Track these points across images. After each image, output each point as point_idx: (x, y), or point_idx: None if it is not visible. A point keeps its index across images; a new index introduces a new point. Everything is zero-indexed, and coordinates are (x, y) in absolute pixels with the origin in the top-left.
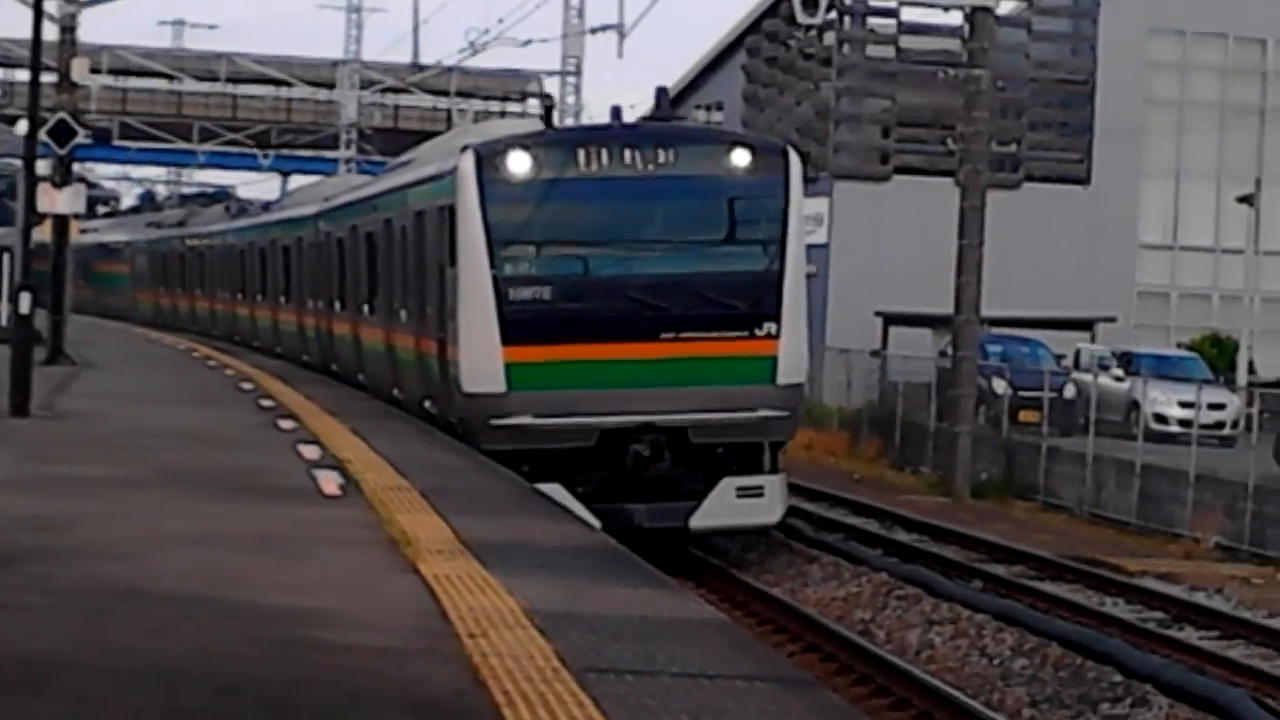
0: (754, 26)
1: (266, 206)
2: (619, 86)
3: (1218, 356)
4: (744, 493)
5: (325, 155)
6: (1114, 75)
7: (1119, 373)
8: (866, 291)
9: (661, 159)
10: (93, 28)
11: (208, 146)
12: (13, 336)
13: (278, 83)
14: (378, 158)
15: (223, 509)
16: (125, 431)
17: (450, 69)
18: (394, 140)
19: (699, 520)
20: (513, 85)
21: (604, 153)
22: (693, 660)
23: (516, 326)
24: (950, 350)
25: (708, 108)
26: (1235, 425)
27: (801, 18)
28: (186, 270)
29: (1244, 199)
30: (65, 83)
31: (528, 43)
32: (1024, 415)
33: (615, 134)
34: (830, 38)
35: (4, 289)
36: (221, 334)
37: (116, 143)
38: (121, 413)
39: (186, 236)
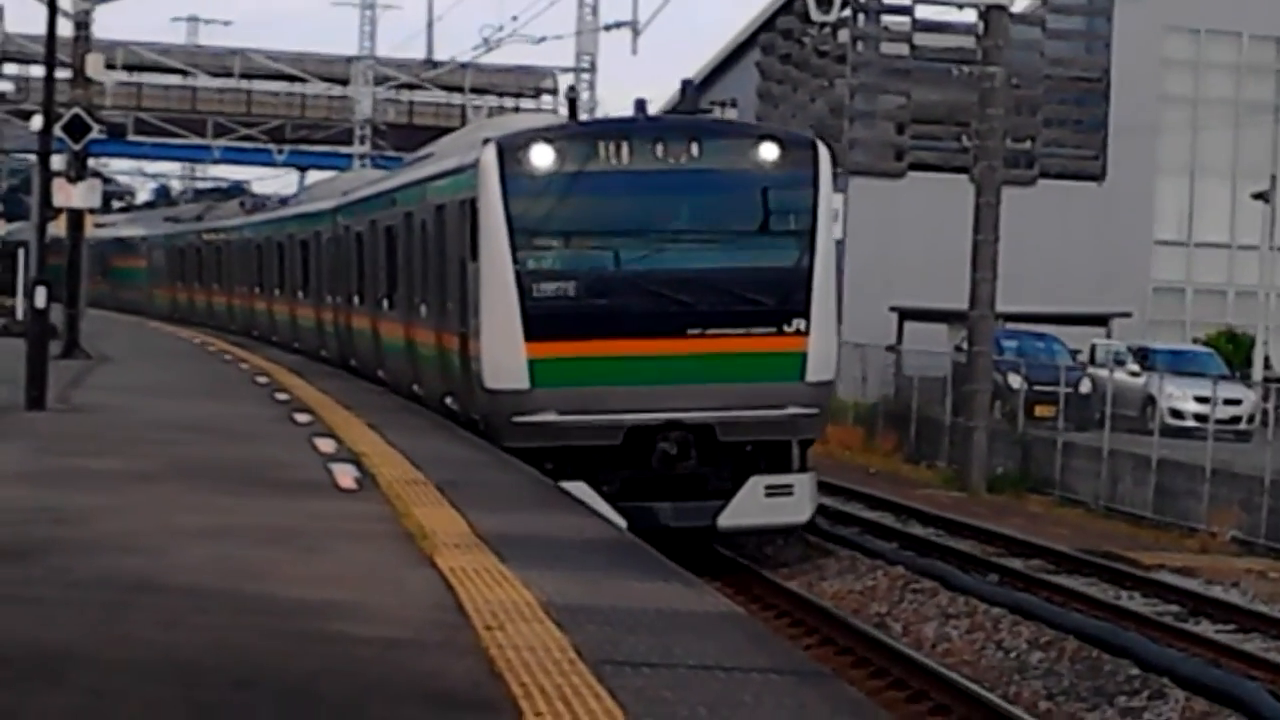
0: (768, 23)
1: (284, 201)
2: (633, 83)
3: (1233, 352)
4: (772, 491)
5: (339, 151)
6: (1128, 72)
7: (1135, 368)
8: (882, 287)
9: (687, 152)
10: (107, 24)
11: (222, 142)
12: (29, 330)
13: (292, 79)
14: (392, 153)
15: (239, 502)
16: (141, 425)
17: (464, 65)
18: (408, 136)
19: (726, 519)
20: (527, 81)
21: (628, 146)
22: (709, 653)
23: (540, 322)
24: (965, 345)
25: (722, 105)
26: (1251, 420)
27: (816, 15)
28: (204, 265)
29: (1259, 195)
30: (80, 78)
31: (542, 39)
32: (1039, 410)
33: (640, 127)
34: (845, 35)
35: (20, 283)
36: (239, 329)
37: (131, 138)
38: (137, 406)
39: (204, 231)
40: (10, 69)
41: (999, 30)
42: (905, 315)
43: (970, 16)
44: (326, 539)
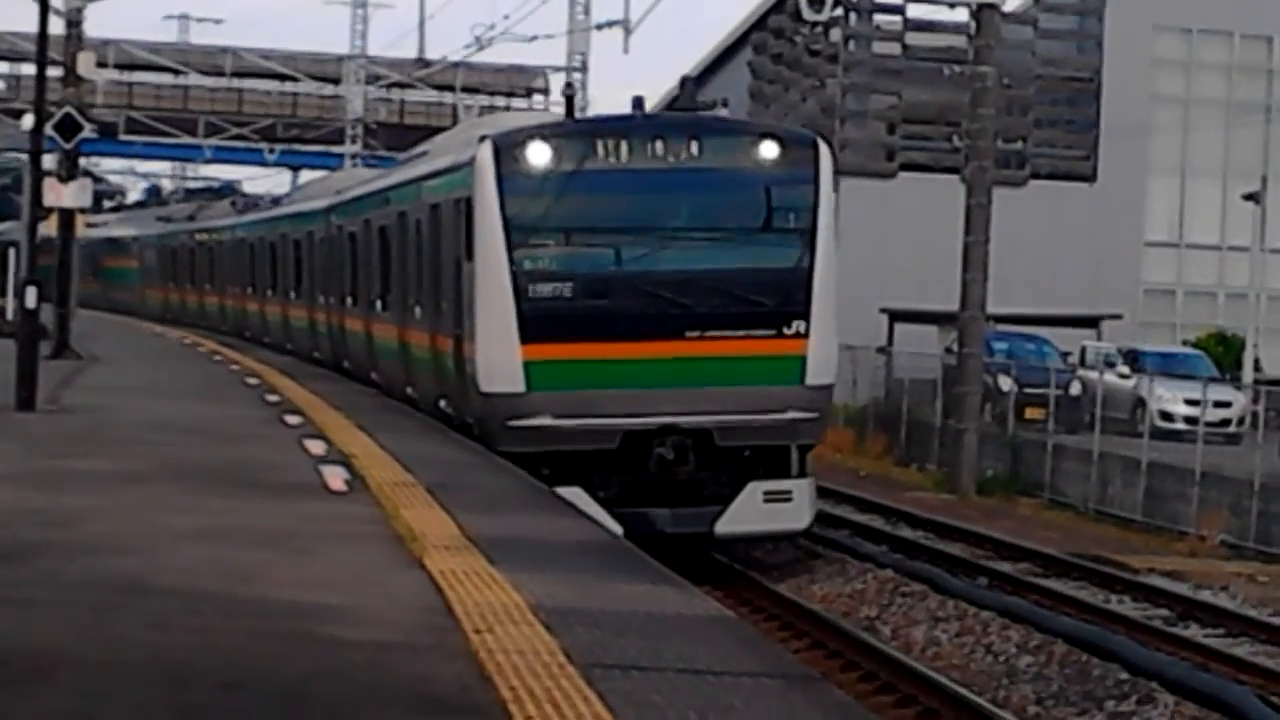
0: (760, 23)
1: (277, 200)
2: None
3: (1223, 354)
4: (771, 497)
5: (331, 150)
6: (1120, 72)
7: (1125, 370)
8: (872, 288)
9: (687, 151)
10: (99, 22)
11: (213, 141)
12: (19, 331)
13: (283, 77)
14: (383, 153)
15: (228, 504)
16: (131, 426)
17: (456, 64)
18: (399, 135)
19: (724, 526)
20: (518, 81)
21: (627, 144)
22: (699, 656)
23: (536, 324)
24: (956, 347)
25: (713, 104)
26: (1241, 423)
27: (808, 14)
28: (196, 265)
29: (1250, 196)
30: (71, 77)
31: (534, 38)
32: (1030, 412)
33: (638, 125)
34: (836, 34)
35: (10, 283)
36: (231, 330)
37: (122, 137)
38: (127, 407)
39: (196, 231)
40: (1, 67)
41: (990, 30)
42: (896, 317)
43: (962, 16)
44: (316, 541)
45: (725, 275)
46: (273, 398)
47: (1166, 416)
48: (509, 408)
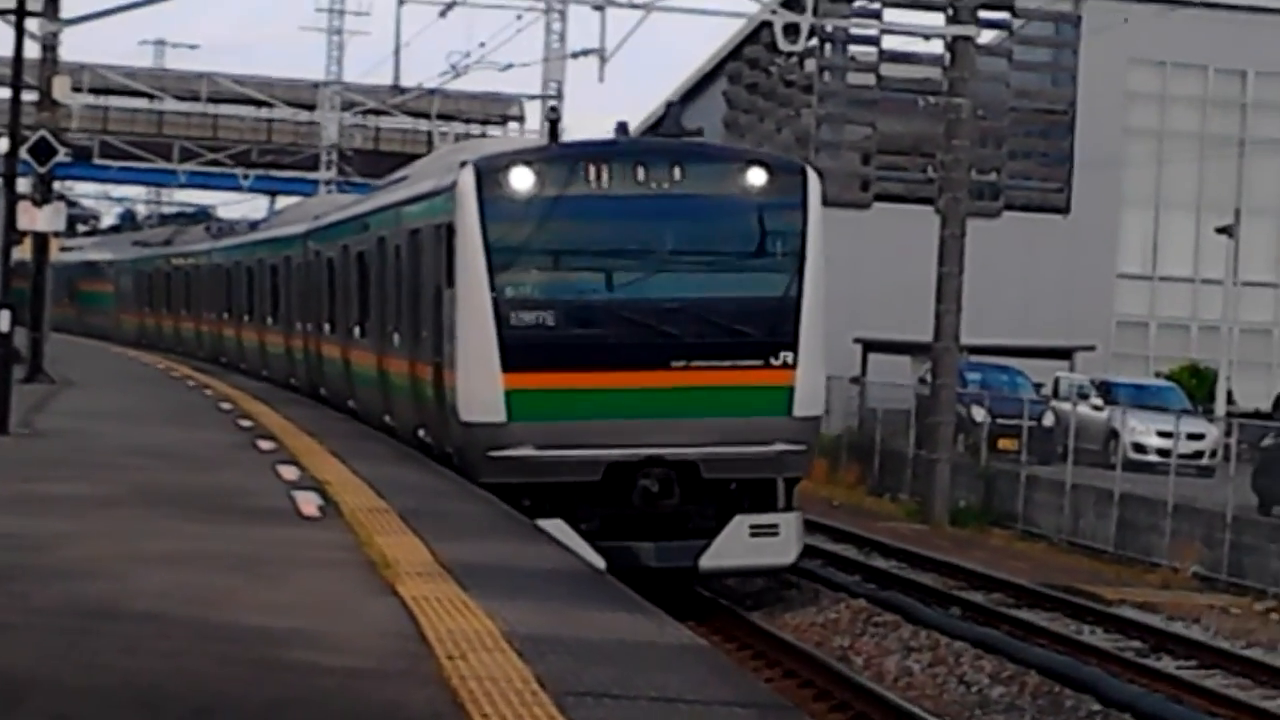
0: (735, 53)
1: (254, 225)
2: (600, 111)
3: (1196, 386)
4: (757, 531)
5: (306, 177)
6: (1094, 105)
7: (1098, 402)
8: (846, 318)
9: (672, 177)
10: (74, 46)
11: (188, 166)
12: None
13: (259, 103)
14: (358, 179)
15: (201, 529)
16: (104, 450)
17: (432, 92)
18: (374, 162)
19: (709, 560)
20: (494, 108)
21: (611, 170)
22: (671, 685)
23: (518, 352)
24: (929, 377)
25: (688, 133)
26: (1214, 455)
27: (783, 45)
28: (172, 290)
29: (1223, 230)
30: (46, 101)
31: (509, 66)
32: (1003, 443)
33: (623, 150)
34: (811, 65)
35: None
36: (207, 355)
37: (97, 161)
38: (100, 431)
39: (172, 255)
40: None
41: (965, 62)
42: (869, 347)
43: (937, 48)
44: (289, 567)
45: (712, 304)
46: (246, 423)
47: (1139, 448)
48: (490, 438)
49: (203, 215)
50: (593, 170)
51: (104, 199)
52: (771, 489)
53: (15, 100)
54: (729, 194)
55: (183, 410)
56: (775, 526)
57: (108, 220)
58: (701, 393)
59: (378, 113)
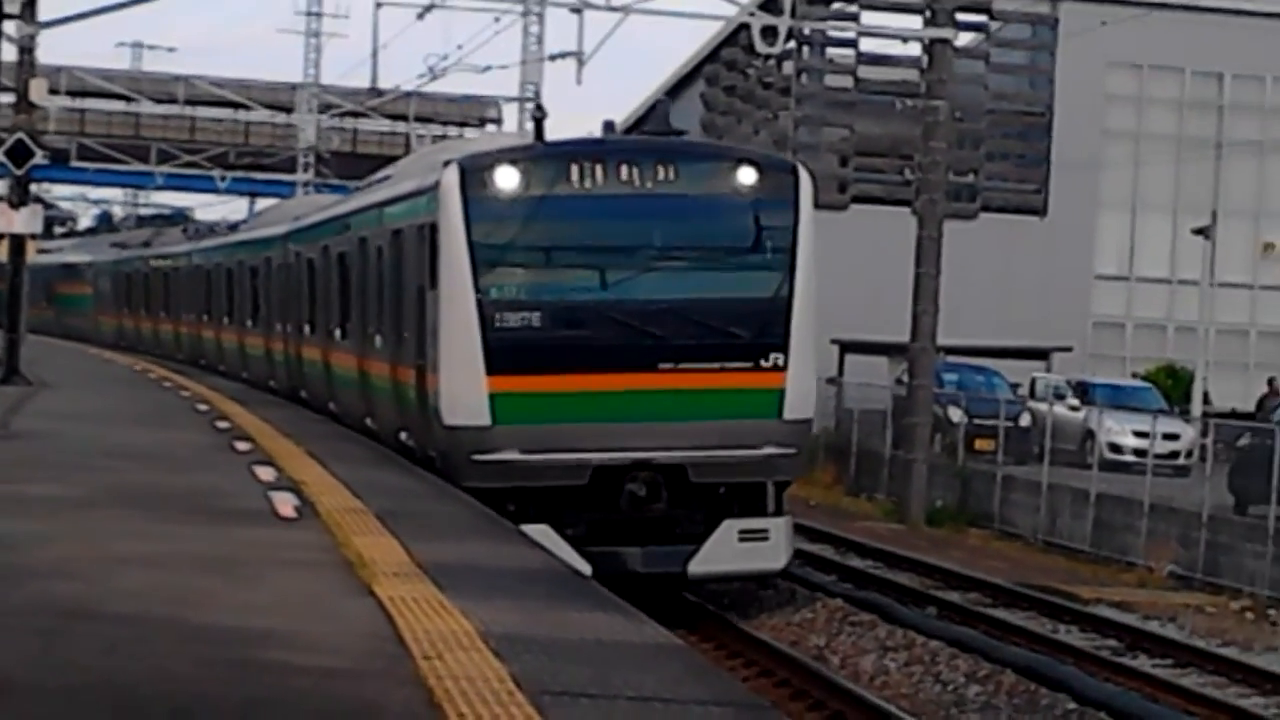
0: (713, 55)
1: (234, 226)
2: (578, 113)
3: (1172, 387)
4: (747, 536)
5: (283, 178)
6: (1071, 107)
7: (1074, 402)
8: (823, 319)
9: (661, 176)
10: (51, 48)
11: (165, 168)
12: None
13: (236, 105)
14: (336, 181)
15: (178, 530)
16: (80, 451)
17: (409, 94)
18: (352, 164)
19: (698, 566)
20: (472, 111)
21: (599, 168)
22: (648, 684)
23: (502, 354)
24: (906, 378)
25: (676, 132)
26: (1189, 455)
27: (760, 47)
28: (151, 292)
29: (1199, 231)
30: (23, 103)
31: (487, 69)
32: (979, 443)
33: (611, 148)
34: (789, 67)
35: None
36: (186, 358)
37: (74, 163)
38: (76, 433)
39: (151, 257)
40: None
41: (943, 64)
42: (846, 348)
43: (914, 50)
44: (265, 567)
45: (701, 305)
46: (223, 424)
47: (1115, 448)
48: (474, 441)
49: (180, 217)
50: (579, 169)
51: (81, 201)
52: (761, 493)
53: None
54: (719, 193)
55: (159, 412)
56: (765, 531)
57: (85, 222)
58: (690, 395)
59: (355, 115)
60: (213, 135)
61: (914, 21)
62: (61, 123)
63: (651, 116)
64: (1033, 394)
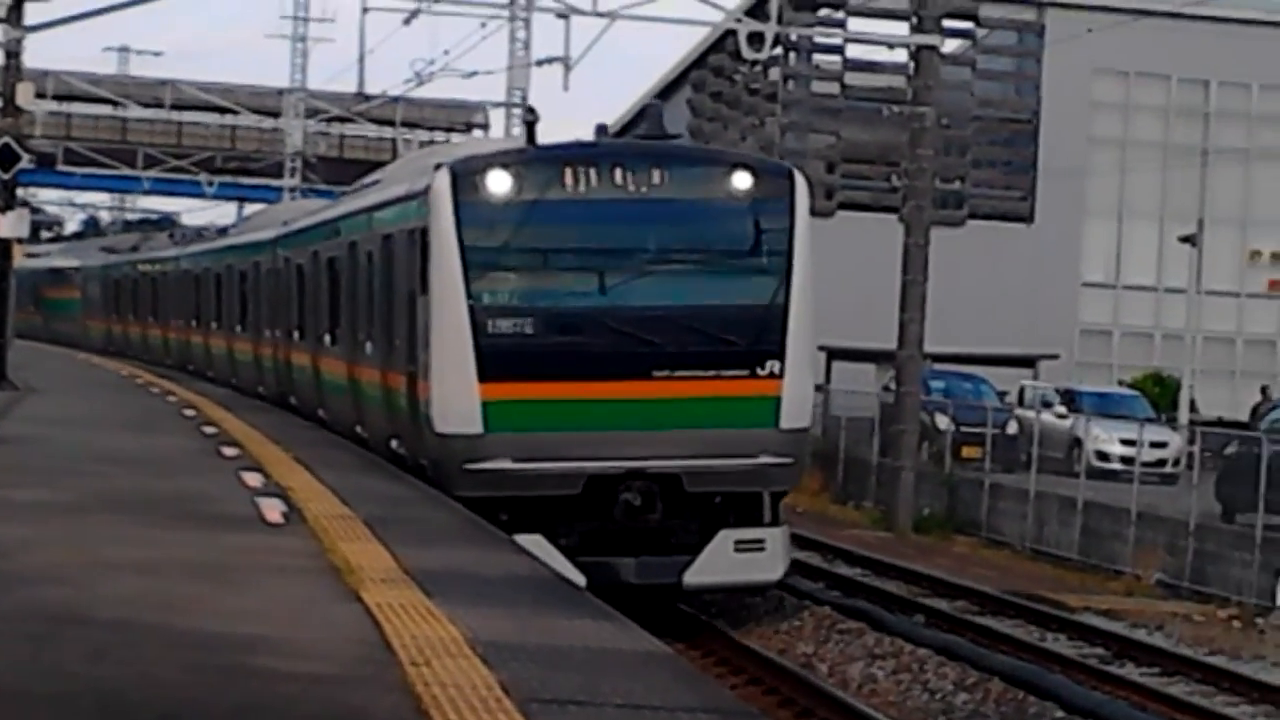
0: (700, 61)
1: (223, 231)
2: (565, 119)
3: (1160, 395)
4: (743, 547)
5: (270, 183)
6: (1058, 114)
7: (1061, 410)
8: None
9: (655, 180)
10: (37, 53)
11: (152, 173)
12: None
13: (223, 110)
14: (322, 186)
15: (165, 535)
16: (68, 457)
17: (396, 99)
18: (339, 169)
19: (693, 576)
20: (458, 116)
21: (592, 173)
22: (636, 692)
23: (495, 361)
24: (893, 386)
25: (668, 135)
26: (1177, 463)
27: (748, 53)
28: (139, 296)
29: (1186, 239)
30: (10, 107)
31: (473, 74)
32: (966, 451)
33: (605, 152)
34: (776, 73)
35: None
36: (175, 363)
37: (61, 168)
38: (64, 438)
39: (139, 262)
40: None
41: (929, 71)
42: (833, 355)
43: (901, 57)
44: (253, 573)
45: (696, 312)
46: (210, 430)
47: (1102, 456)
48: (466, 450)
49: (166, 222)
50: (572, 173)
51: (67, 205)
52: (757, 503)
53: None
54: (714, 198)
55: (147, 417)
56: (761, 542)
57: (71, 227)
58: (685, 403)
59: (342, 120)
60: (199, 140)
61: (900, 28)
62: (48, 127)
63: (642, 119)
64: (1020, 401)
